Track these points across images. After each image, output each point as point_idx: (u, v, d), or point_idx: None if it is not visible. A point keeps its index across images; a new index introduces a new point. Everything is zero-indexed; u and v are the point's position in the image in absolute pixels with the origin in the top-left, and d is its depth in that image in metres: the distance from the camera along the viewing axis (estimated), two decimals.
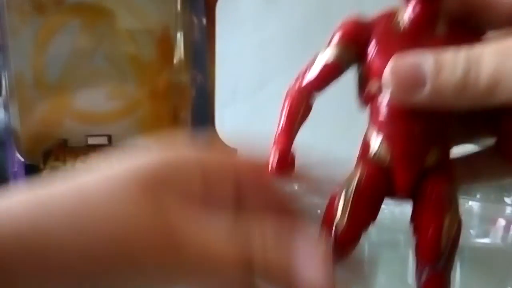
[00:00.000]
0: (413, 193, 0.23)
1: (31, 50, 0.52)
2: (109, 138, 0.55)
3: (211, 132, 0.61)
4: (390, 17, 0.23)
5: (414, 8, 0.22)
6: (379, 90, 0.22)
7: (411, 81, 0.20)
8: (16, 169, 0.54)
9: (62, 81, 0.53)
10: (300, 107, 0.23)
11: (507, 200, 0.47)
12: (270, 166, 0.23)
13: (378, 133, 0.22)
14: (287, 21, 0.60)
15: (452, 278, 0.36)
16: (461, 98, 0.19)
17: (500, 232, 0.36)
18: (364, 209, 0.23)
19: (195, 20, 0.59)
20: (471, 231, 0.36)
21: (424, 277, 0.22)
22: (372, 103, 0.23)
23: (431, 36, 0.21)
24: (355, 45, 0.23)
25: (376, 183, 0.23)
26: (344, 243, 0.23)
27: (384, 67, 0.21)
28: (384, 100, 0.22)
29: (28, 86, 0.52)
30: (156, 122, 0.56)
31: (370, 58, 0.22)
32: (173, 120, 0.57)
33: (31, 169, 0.53)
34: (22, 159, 0.53)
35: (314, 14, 0.62)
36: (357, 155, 0.24)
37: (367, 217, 0.23)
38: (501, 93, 0.18)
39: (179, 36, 0.57)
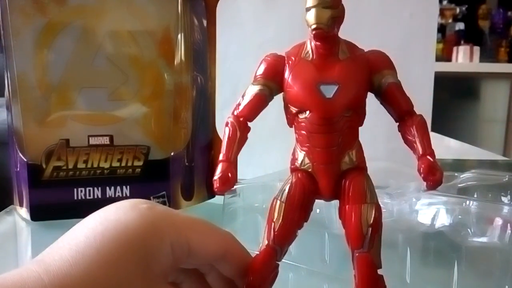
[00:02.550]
0: (336, 193, 0.28)
1: (34, 51, 0.52)
2: (111, 138, 0.55)
3: (212, 133, 0.61)
4: (300, 49, 0.28)
5: (316, 43, 0.27)
6: (296, 114, 0.28)
7: None
8: (18, 169, 0.55)
9: (64, 82, 0.53)
10: (236, 133, 0.28)
11: (504, 199, 0.47)
12: (214, 187, 0.27)
13: (301, 147, 0.28)
14: (287, 22, 0.60)
15: (449, 277, 0.37)
16: None
17: (497, 231, 0.36)
18: (295, 210, 0.28)
19: (195, 21, 0.59)
20: (469, 230, 0.36)
21: (354, 259, 0.27)
22: (294, 125, 0.28)
23: (335, 62, 0.27)
24: (272, 80, 0.28)
25: (304, 187, 0.28)
26: (280, 238, 0.28)
27: (294, 96, 0.27)
28: (302, 121, 0.27)
29: (31, 87, 0.52)
30: (158, 123, 0.57)
31: (285, 88, 0.28)
32: (174, 121, 0.58)
33: (34, 169, 0.53)
34: (25, 159, 0.53)
35: None
36: (290, 165, 0.28)
37: (297, 218, 0.28)
38: None
39: (180, 37, 0.57)
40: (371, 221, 0.26)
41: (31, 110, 0.53)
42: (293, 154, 0.28)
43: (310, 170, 0.28)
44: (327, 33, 0.26)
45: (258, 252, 0.28)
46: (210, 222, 0.28)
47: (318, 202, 0.40)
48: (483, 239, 0.36)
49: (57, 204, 0.54)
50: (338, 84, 0.26)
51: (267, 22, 0.61)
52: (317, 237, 0.41)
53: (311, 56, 0.27)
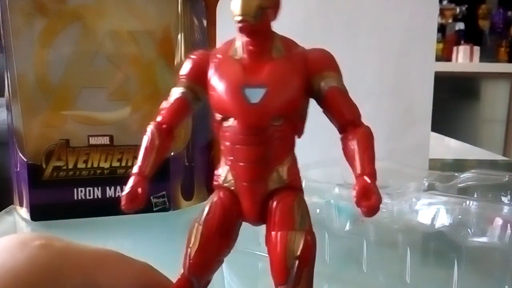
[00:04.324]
0: (262, 217, 0.24)
1: (34, 51, 0.52)
2: (111, 138, 0.55)
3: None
4: (228, 46, 0.24)
5: (245, 39, 0.23)
6: (221, 122, 0.24)
7: None
8: (18, 169, 0.55)
9: (64, 82, 0.53)
10: (154, 143, 0.24)
11: (504, 199, 0.47)
12: (121, 204, 0.23)
13: (225, 161, 0.24)
14: (287, 22, 0.60)
15: (449, 277, 0.37)
16: None
17: (497, 231, 0.36)
18: (213, 234, 0.24)
19: (195, 21, 0.59)
20: (469, 230, 0.36)
21: None
22: (219, 134, 0.24)
23: (266, 61, 0.23)
24: (196, 82, 0.25)
25: (226, 208, 0.24)
26: (196, 267, 0.24)
27: (217, 101, 0.23)
28: (227, 130, 0.24)
29: (31, 87, 0.52)
30: None
31: (209, 92, 0.24)
32: None
33: (34, 169, 0.53)
34: (25, 159, 0.53)
35: (314, 14, 0.62)
36: (213, 182, 0.25)
37: (216, 243, 0.24)
38: None
39: (180, 37, 0.57)
40: (298, 252, 0.22)
41: (31, 110, 0.53)
42: (217, 168, 0.25)
43: (232, 188, 0.24)
44: (254, 26, 0.22)
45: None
46: (122, 254, 0.24)
47: (318, 202, 0.40)
48: (483, 239, 0.36)
49: (57, 204, 0.54)
50: (266, 87, 0.23)
51: None
52: (317, 237, 0.41)
53: (239, 54, 0.24)
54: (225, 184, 0.24)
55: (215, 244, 0.24)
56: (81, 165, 0.54)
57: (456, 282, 0.37)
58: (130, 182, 0.23)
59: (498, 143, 2.76)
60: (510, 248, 0.35)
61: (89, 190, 0.55)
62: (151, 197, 0.57)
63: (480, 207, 0.37)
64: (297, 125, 0.24)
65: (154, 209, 0.57)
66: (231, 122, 0.23)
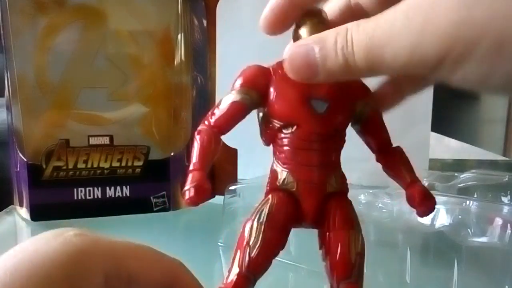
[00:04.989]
0: (318, 220, 0.26)
1: (34, 51, 0.52)
2: (111, 138, 0.55)
3: None
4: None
5: None
6: (280, 129, 0.26)
7: (306, 70, 0.23)
8: (18, 169, 0.55)
9: (64, 82, 0.53)
10: (211, 143, 0.26)
11: (504, 199, 0.47)
12: (186, 197, 0.24)
13: (283, 166, 0.26)
14: None
15: (449, 277, 0.37)
16: (348, 75, 0.23)
17: (497, 231, 0.36)
18: (275, 233, 0.25)
19: (195, 21, 0.59)
20: (469, 230, 0.36)
21: None
22: (275, 141, 0.26)
23: None
24: (256, 90, 0.26)
25: (286, 209, 0.25)
26: (257, 265, 0.25)
27: (283, 110, 0.25)
28: (287, 136, 0.25)
29: (31, 87, 0.52)
30: (158, 123, 0.57)
31: (271, 101, 0.26)
32: (174, 121, 0.58)
33: (34, 169, 0.53)
34: (25, 159, 0.53)
35: None
36: (267, 185, 0.26)
37: (277, 243, 0.25)
38: (378, 69, 0.22)
39: (180, 37, 0.57)
40: (359, 249, 0.25)
41: (31, 110, 0.53)
42: (272, 172, 0.26)
43: (293, 189, 0.25)
44: None
45: (224, 284, 0.25)
46: (154, 248, 0.26)
47: None
48: (483, 239, 0.36)
49: (57, 204, 0.54)
50: (329, 102, 0.25)
51: None
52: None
53: None
54: (284, 186, 0.25)
55: (275, 243, 0.25)
56: (81, 165, 0.54)
57: (456, 282, 0.37)
58: (193, 176, 0.24)
59: (498, 143, 2.76)
60: (510, 248, 0.35)
61: (89, 190, 0.55)
62: (151, 197, 0.57)
63: (480, 207, 0.37)
64: (341, 141, 0.27)
65: (154, 209, 0.57)
66: (293, 129, 0.25)
